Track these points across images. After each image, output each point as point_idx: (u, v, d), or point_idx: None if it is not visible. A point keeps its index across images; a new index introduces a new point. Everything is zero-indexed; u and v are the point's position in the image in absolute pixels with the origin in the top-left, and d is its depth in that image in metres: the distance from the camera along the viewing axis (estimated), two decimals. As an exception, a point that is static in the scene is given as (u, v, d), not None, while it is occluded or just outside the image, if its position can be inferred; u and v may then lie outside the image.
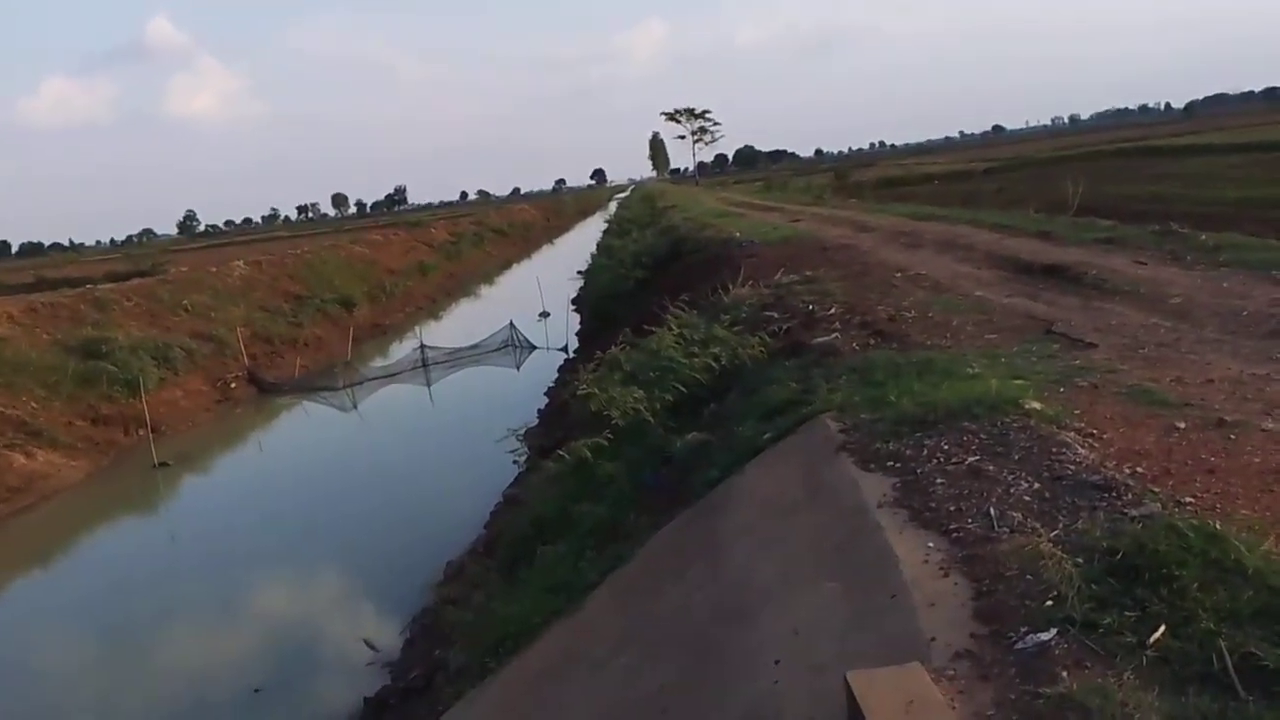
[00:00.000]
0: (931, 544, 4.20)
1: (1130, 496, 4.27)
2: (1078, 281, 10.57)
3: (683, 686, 4.62)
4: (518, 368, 25.50)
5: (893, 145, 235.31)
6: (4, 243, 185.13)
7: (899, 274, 12.22)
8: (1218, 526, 3.72)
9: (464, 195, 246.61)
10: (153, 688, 10.39)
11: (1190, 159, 47.86)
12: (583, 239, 66.72)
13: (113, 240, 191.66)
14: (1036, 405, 5.56)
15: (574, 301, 30.98)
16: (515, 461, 15.38)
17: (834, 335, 8.74)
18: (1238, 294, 8.90)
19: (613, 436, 8.78)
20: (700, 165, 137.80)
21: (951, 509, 4.45)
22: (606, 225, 59.64)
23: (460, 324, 33.56)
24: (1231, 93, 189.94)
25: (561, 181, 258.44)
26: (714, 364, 8.93)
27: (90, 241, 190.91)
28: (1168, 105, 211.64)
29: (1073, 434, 5.20)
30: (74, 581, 14.29)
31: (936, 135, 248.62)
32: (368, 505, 15.40)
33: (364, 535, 13.87)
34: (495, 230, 72.13)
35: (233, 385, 24.94)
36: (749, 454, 6.83)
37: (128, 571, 14.19)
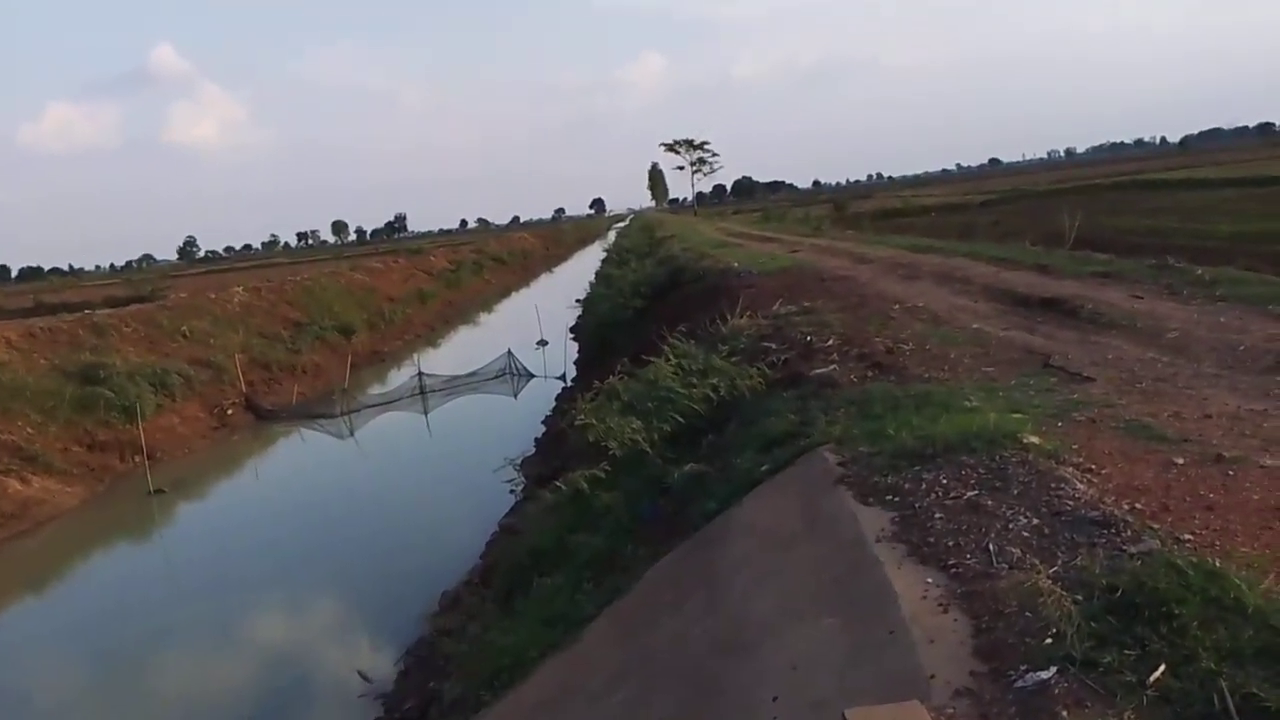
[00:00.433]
0: (930, 579, 4.19)
1: (1129, 533, 4.25)
2: (1075, 315, 10.61)
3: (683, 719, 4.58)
4: (515, 395, 25.50)
5: (890, 177, 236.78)
6: (3, 267, 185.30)
7: (897, 306, 12.25)
8: (1217, 564, 3.71)
9: (464, 223, 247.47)
10: (146, 716, 10.28)
11: (1185, 193, 48.21)
12: (581, 268, 66.92)
13: (112, 265, 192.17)
14: (1035, 439, 5.56)
15: (572, 330, 31.02)
16: (512, 491, 15.34)
17: (832, 367, 8.75)
18: (1235, 329, 8.93)
19: (610, 467, 8.76)
20: (699, 195, 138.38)
21: (950, 544, 4.43)
22: (605, 254, 59.85)
23: (459, 352, 33.56)
24: (1226, 127, 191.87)
25: (561, 210, 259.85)
26: (712, 394, 8.93)
27: (90, 266, 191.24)
28: (1163, 139, 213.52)
29: (1071, 469, 5.19)
30: (68, 608, 14.18)
31: (934, 167, 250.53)
32: (364, 533, 15.34)
33: (359, 564, 13.80)
34: (494, 258, 72.35)
35: (230, 412, 24.89)
36: (747, 486, 6.81)
37: (122, 598, 14.09)
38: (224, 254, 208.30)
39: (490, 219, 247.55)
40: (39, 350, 24.19)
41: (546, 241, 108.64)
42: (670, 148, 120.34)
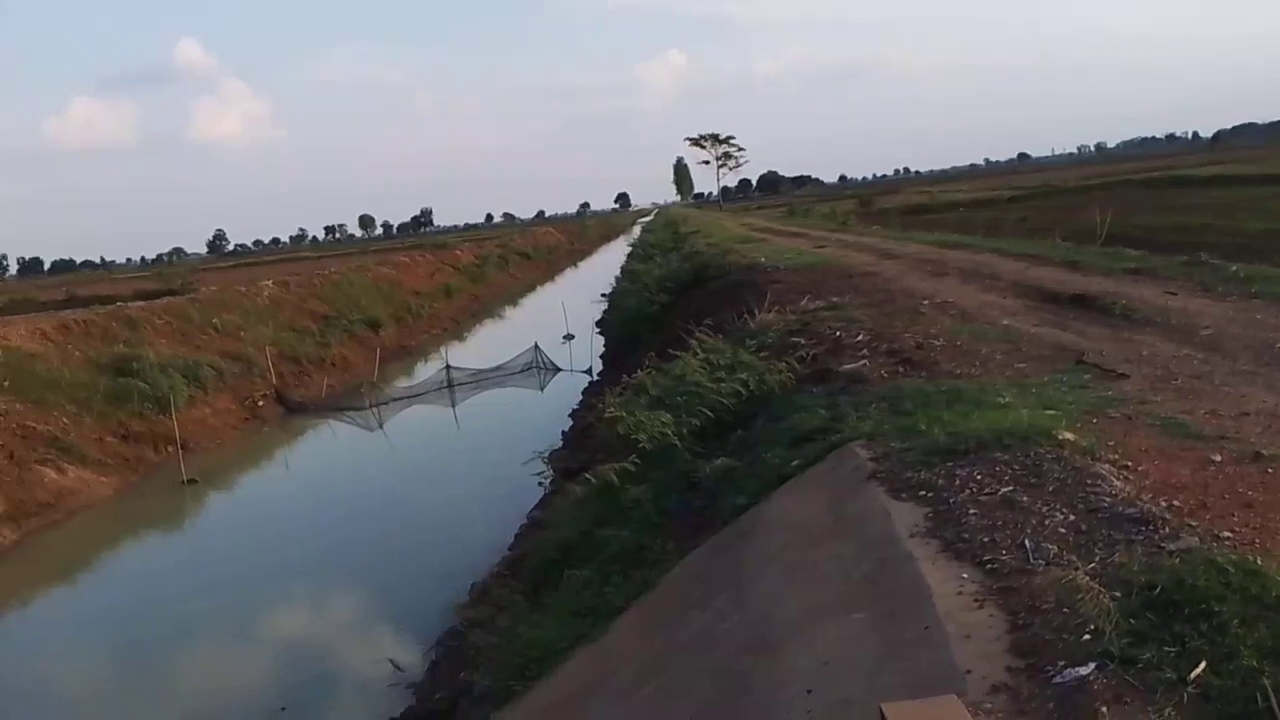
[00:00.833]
0: (965, 575, 4.18)
1: (1167, 530, 4.23)
2: (1107, 312, 10.52)
3: (709, 717, 4.60)
4: (541, 389, 25.59)
5: (917, 172, 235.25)
6: (36, 260, 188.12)
7: (925, 302, 12.20)
8: (1258, 561, 3.69)
9: (489, 218, 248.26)
10: (179, 704, 10.45)
11: (1218, 190, 47.49)
12: (606, 262, 66.99)
13: (143, 259, 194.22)
14: (1070, 436, 5.54)
15: (598, 324, 31.09)
16: (540, 484, 15.43)
17: (862, 363, 8.74)
18: (1271, 325, 8.83)
19: (639, 461, 8.78)
20: (724, 190, 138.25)
21: (985, 540, 4.43)
22: (630, 249, 59.89)
23: (485, 346, 33.74)
24: (1259, 122, 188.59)
25: (586, 205, 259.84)
26: (741, 389, 8.93)
27: (121, 259, 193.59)
28: (1195, 134, 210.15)
29: (1107, 466, 5.17)
30: (102, 596, 14.42)
31: (961, 162, 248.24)
32: (393, 525, 15.46)
33: (389, 555, 13.92)
34: (520, 253, 72.53)
35: (260, 404, 25.14)
36: (776, 481, 6.82)
37: (155, 587, 14.29)
38: (252, 247, 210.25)
39: (515, 213, 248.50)
40: (73, 342, 24.53)
41: (571, 236, 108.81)
42: (696, 142, 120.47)
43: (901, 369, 8.34)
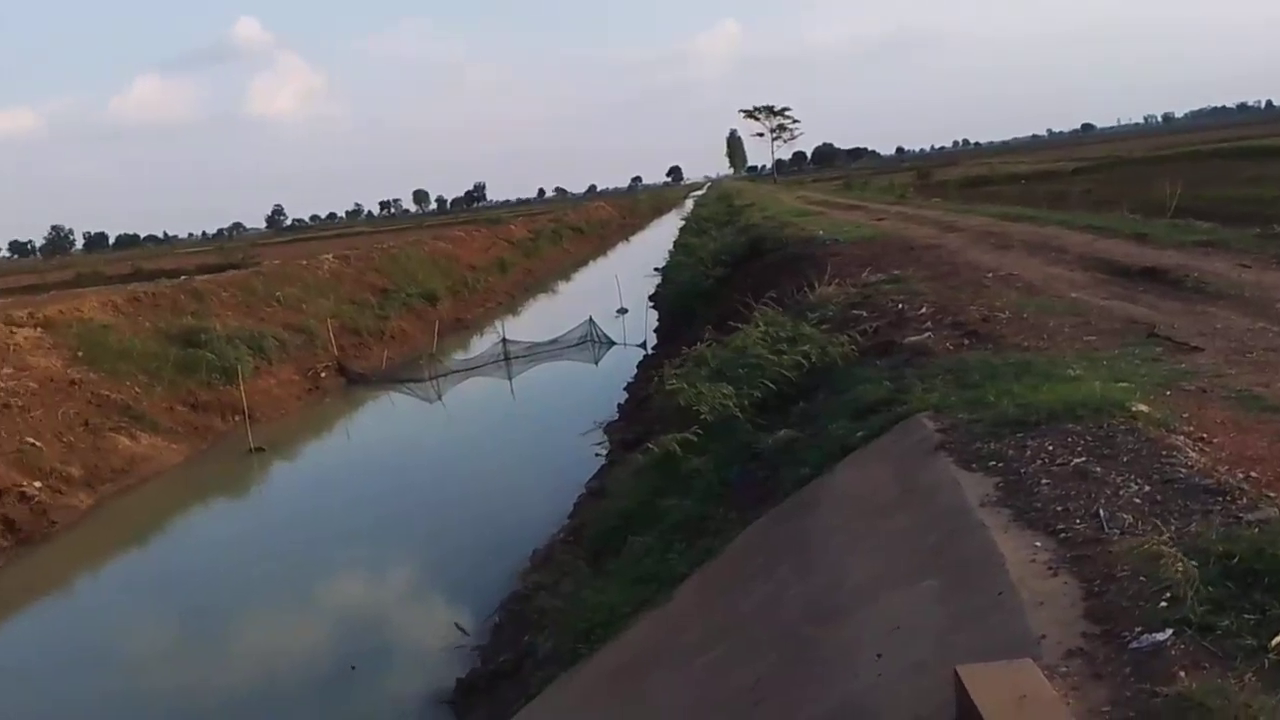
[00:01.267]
0: (1038, 544, 4.19)
1: (1245, 501, 4.20)
2: (1178, 285, 10.32)
3: (776, 681, 4.67)
4: (596, 363, 25.76)
5: (977, 143, 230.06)
6: (101, 235, 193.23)
7: (989, 275, 12.05)
8: (1340, 533, 3.65)
9: (541, 193, 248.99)
10: (252, 662, 10.83)
11: (1293, 160, 45.79)
12: (658, 237, 66.91)
13: (204, 233, 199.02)
14: (1143, 408, 5.48)
15: (652, 298, 31.14)
16: (597, 454, 15.61)
17: (926, 335, 8.69)
18: (1351, 299, 8.60)
19: (700, 432, 8.86)
20: (778, 163, 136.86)
21: (1058, 509, 4.43)
22: (683, 223, 59.75)
23: (538, 320, 33.99)
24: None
25: (638, 179, 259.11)
26: (804, 361, 8.95)
27: (183, 234, 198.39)
28: (1269, 103, 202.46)
29: (1182, 438, 5.12)
30: (175, 558, 14.95)
31: (1023, 133, 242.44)
32: (452, 494, 15.77)
33: (449, 522, 14.20)
34: (573, 228, 72.74)
35: (322, 375, 25.69)
36: (840, 452, 6.84)
37: (225, 551, 14.78)
38: (310, 222, 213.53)
39: (567, 188, 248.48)
40: (143, 314, 25.26)
41: (623, 211, 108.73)
42: (750, 114, 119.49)
43: (966, 342, 8.28)
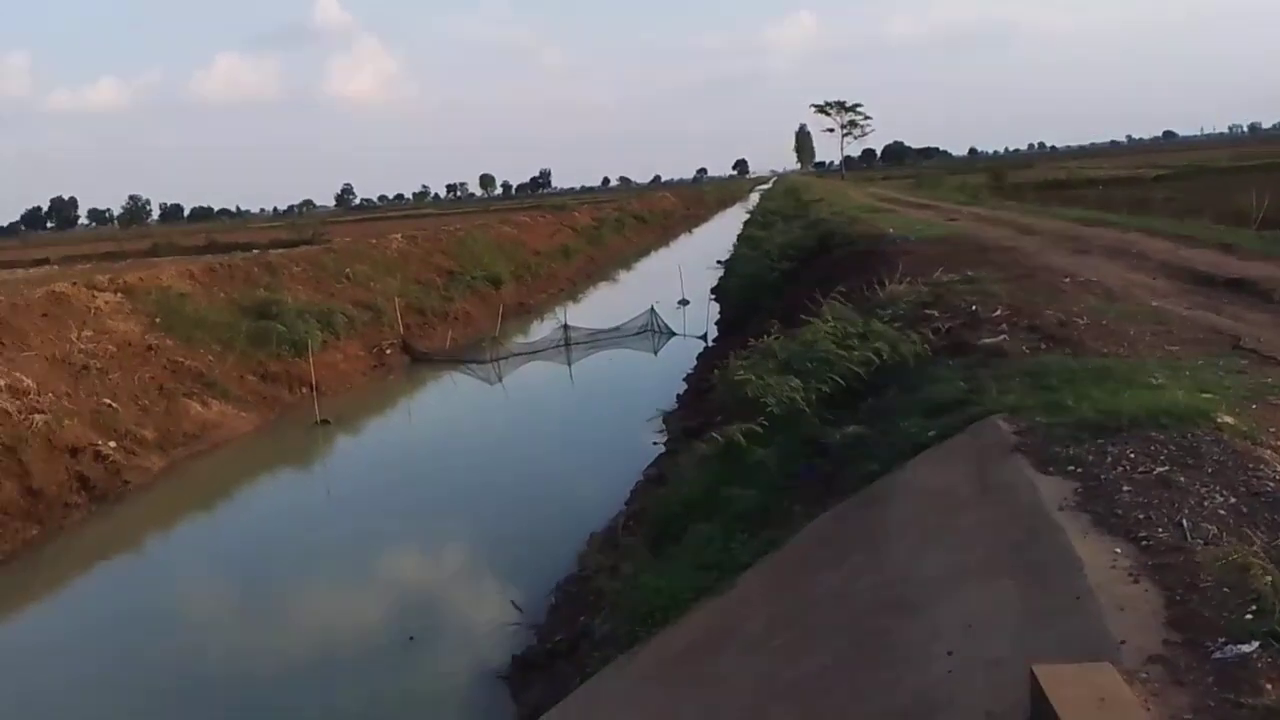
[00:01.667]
0: (1118, 550, 4.14)
1: (1336, 518, 4.09)
2: (1267, 298, 10.03)
3: (845, 670, 4.69)
4: (655, 353, 25.83)
5: (1053, 147, 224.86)
6: (177, 206, 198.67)
7: (1067, 279, 11.82)
8: None
9: (605, 181, 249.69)
10: (313, 628, 11.12)
11: (1390, 174, 43.97)
12: (721, 229, 66.72)
13: (275, 209, 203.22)
14: (1229, 419, 5.36)
15: (714, 290, 31.08)
16: (655, 442, 15.67)
17: (1001, 337, 8.57)
18: None
19: (765, 423, 8.84)
20: (846, 159, 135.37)
21: (1139, 517, 4.36)
22: (748, 216, 59.46)
23: (599, 307, 34.14)
24: None
25: (703, 171, 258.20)
26: (875, 358, 8.88)
27: (255, 209, 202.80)
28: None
29: (1269, 451, 5.00)
30: (242, 524, 15.38)
31: (1102, 138, 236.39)
32: (510, 474, 15.96)
33: (507, 502, 14.40)
34: (636, 217, 72.84)
35: (388, 352, 26.16)
36: (911, 450, 6.79)
37: (291, 519, 15.18)
38: (377, 202, 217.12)
39: (631, 177, 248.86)
40: (218, 285, 25.95)
41: (687, 202, 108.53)
42: (821, 109, 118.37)
43: (1044, 345, 8.15)
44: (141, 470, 16.94)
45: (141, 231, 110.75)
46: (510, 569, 11.80)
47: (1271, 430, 5.40)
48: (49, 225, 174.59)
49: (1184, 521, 4.23)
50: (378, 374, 25.05)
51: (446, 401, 23.57)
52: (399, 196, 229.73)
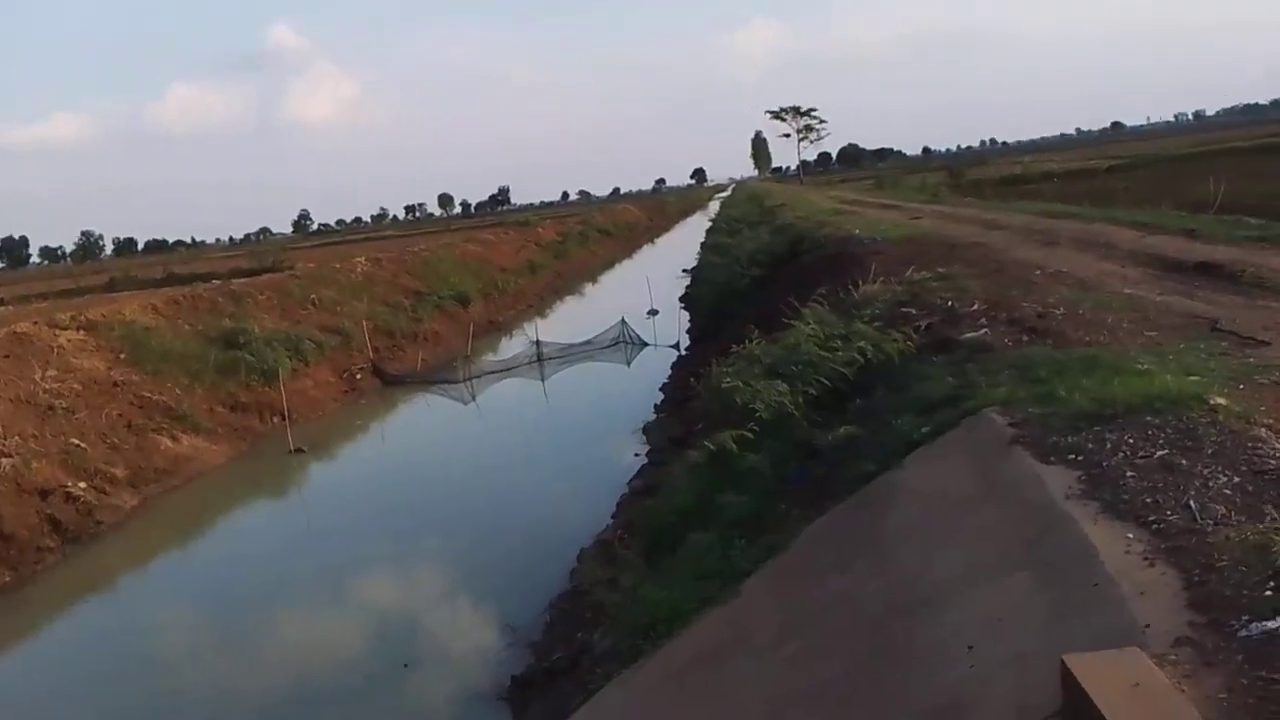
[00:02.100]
0: (1130, 535, 4.16)
1: (1341, 492, 4.15)
2: (1235, 280, 10.21)
3: (864, 674, 4.66)
4: (628, 364, 25.81)
5: (1005, 143, 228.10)
6: (131, 240, 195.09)
7: (1039, 272, 11.96)
8: None
9: (565, 195, 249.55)
10: (304, 659, 10.92)
11: (1335, 156, 45.04)
12: (684, 238, 66.95)
13: (231, 239, 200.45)
14: (1222, 401, 5.43)
15: (682, 299, 31.14)
16: (637, 454, 15.63)
17: (983, 331, 8.64)
18: None
19: (755, 429, 8.84)
20: (803, 164, 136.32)
21: (1147, 501, 4.39)
22: (711, 224, 59.70)
23: (568, 321, 34.08)
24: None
25: (662, 181, 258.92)
26: (859, 358, 8.92)
27: (211, 240, 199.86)
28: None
29: (1265, 430, 5.06)
30: (222, 559, 15.07)
31: (1051, 132, 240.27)
32: (492, 494, 15.83)
33: (491, 523, 14.24)
34: (600, 230, 72.97)
35: (358, 376, 25.89)
36: (904, 449, 6.81)
37: (271, 550, 14.91)
38: (336, 226, 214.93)
39: (591, 190, 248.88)
40: (183, 316, 25.56)
41: (649, 212, 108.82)
42: (776, 115, 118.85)
43: (1025, 338, 8.23)
44: (114, 509, 16.59)
45: (97, 266, 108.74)
46: (501, 589, 11.68)
47: (1264, 409, 5.47)
48: (0, 265, 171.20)
49: (1191, 503, 4.26)
50: (350, 399, 24.77)
51: (421, 423, 23.35)
52: (357, 220, 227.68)
